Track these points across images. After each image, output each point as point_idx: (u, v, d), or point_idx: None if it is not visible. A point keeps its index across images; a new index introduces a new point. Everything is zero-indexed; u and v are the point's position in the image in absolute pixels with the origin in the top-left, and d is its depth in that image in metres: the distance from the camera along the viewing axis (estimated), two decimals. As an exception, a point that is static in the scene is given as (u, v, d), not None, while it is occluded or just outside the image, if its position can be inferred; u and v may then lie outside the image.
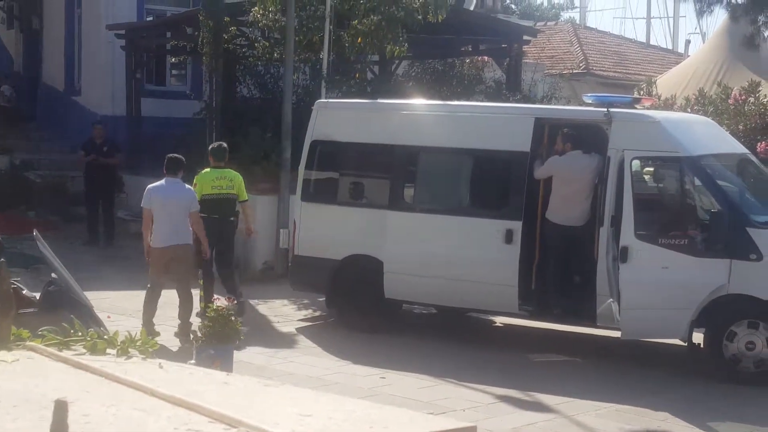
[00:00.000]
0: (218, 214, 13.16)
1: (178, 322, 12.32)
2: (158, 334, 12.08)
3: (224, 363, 8.78)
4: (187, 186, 12.53)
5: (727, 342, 10.94)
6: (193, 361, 8.94)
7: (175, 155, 12.70)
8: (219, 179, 13.26)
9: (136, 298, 14.56)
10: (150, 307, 12.26)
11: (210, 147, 13.95)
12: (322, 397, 5.02)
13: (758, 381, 10.76)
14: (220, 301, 9.11)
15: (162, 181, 12.39)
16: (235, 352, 11.50)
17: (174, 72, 26.04)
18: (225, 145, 13.88)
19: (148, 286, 12.40)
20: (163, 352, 11.31)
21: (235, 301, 9.29)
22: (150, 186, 12.42)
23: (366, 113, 13.55)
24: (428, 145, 12.83)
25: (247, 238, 14.01)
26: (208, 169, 13.40)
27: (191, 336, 11.09)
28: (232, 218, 13.35)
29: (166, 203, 12.19)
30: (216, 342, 8.91)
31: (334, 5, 17.03)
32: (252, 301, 15.06)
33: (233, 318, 9.00)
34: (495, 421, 9.35)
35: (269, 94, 18.83)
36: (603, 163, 11.63)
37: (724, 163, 12.09)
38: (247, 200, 13.54)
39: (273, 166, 17.14)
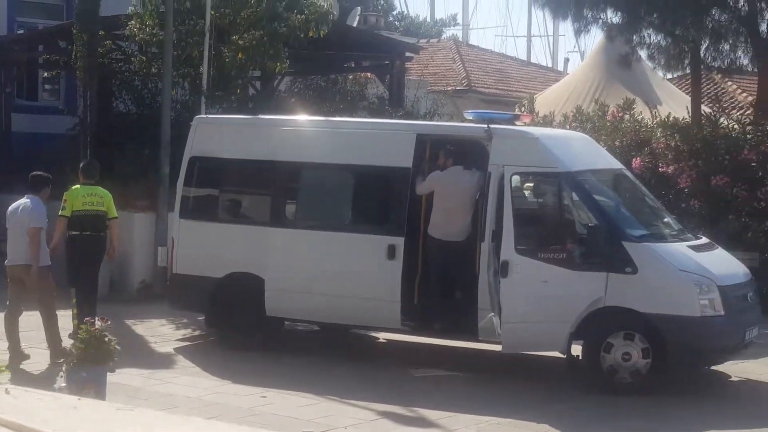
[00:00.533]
0: (90, 230, 13.14)
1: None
2: (27, 356, 11.94)
3: (97, 386, 8.66)
4: (35, 203, 12.27)
5: (605, 353, 11.26)
6: (63, 385, 8.80)
7: (38, 173, 12.63)
8: (89, 196, 13.19)
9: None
10: (10, 328, 12.05)
11: (81, 164, 13.83)
12: (174, 419, 4.88)
13: (634, 391, 11.10)
14: (94, 322, 8.98)
15: (23, 199, 12.30)
16: (109, 374, 11.43)
17: (47, 87, 25.57)
18: (96, 162, 13.92)
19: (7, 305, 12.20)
20: (24, 377, 11.24)
21: (108, 322, 9.16)
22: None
23: (246, 129, 13.57)
24: (310, 161, 12.92)
25: (109, 258, 13.79)
26: (77, 186, 13.29)
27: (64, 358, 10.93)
28: (102, 233, 13.27)
29: (11, 221, 12.25)
30: (88, 364, 8.77)
31: (214, 20, 17.00)
32: (128, 321, 14.91)
33: (107, 339, 8.89)
34: (377, 438, 9.46)
35: (147, 109, 18.69)
36: (484, 179, 11.87)
37: (601, 179, 12.43)
38: (116, 218, 13.46)
39: (151, 182, 17.03)
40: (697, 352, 11.30)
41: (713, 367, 12.16)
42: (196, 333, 14.20)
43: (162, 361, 12.61)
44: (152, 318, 15.00)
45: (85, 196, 13.15)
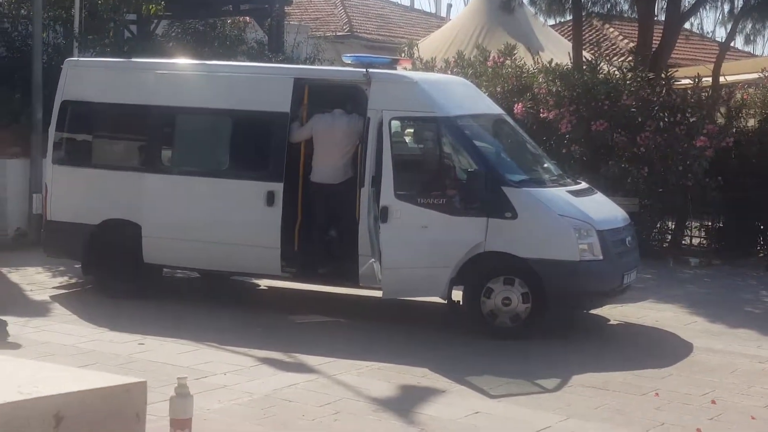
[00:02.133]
0: None
1: None
2: None
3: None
4: None
5: (485, 298, 11.37)
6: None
7: None
8: None
9: None
10: None
11: None
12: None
13: (514, 336, 11.25)
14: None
15: None
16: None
17: None
18: None
19: None
20: None
21: None
22: None
23: (119, 73, 13.26)
24: (185, 105, 12.70)
25: None
26: None
27: None
28: None
29: None
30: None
31: (85, -41, 16.58)
32: (3, 269, 14.62)
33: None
34: (256, 384, 9.42)
35: (17, 53, 18.13)
36: (363, 124, 11.81)
37: (481, 124, 12.49)
38: None
39: (23, 128, 16.62)
40: (577, 296, 11.46)
41: (592, 311, 12.38)
42: (73, 281, 13.96)
43: (38, 309, 12.36)
44: (28, 266, 14.73)
45: None
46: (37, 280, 13.98)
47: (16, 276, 14.22)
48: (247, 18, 22.19)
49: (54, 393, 4.25)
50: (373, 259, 11.60)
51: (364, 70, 11.88)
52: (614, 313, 12.67)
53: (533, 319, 11.37)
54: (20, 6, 17.29)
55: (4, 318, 10.47)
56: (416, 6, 42.54)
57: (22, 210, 16.54)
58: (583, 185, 12.59)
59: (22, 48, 18.13)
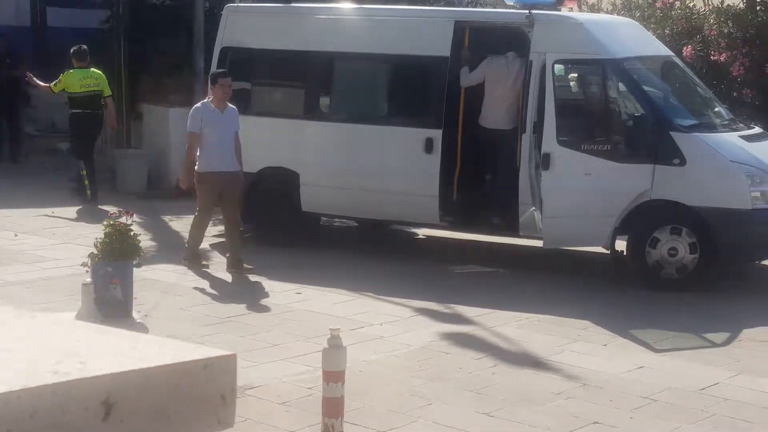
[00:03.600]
0: (90, 108, 15.16)
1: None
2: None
3: (123, 281, 8.51)
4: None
5: (650, 249, 10.94)
6: (89, 280, 8.66)
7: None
8: (85, 78, 15.10)
9: (42, 217, 14.33)
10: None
11: (72, 50, 15.28)
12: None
13: (680, 287, 10.79)
14: (118, 215, 8.77)
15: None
16: (146, 270, 11.30)
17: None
18: (85, 47, 15.36)
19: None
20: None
21: (133, 215, 8.96)
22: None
23: (278, 18, 13.14)
24: (344, 51, 12.54)
25: (111, 132, 16.41)
26: (73, 70, 15.06)
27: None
28: (99, 111, 15.33)
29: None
30: (113, 259, 8.59)
31: None
32: (165, 218, 14.83)
33: (132, 233, 8.69)
34: (413, 335, 9.26)
35: (180, 1, 18.28)
36: (526, 67, 11.47)
37: (649, 66, 12.00)
38: (111, 95, 15.52)
39: (185, 77, 16.76)
40: (748, 246, 10.93)
41: (765, 263, 11.77)
42: (233, 229, 14.01)
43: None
44: (189, 215, 14.78)
45: (82, 79, 15.07)
46: (198, 228, 14.09)
47: (177, 224, 14.37)
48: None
49: (103, 372, 3.04)
50: (533, 208, 11.29)
51: (527, 11, 11.51)
52: (788, 265, 12.07)
53: (701, 270, 10.89)
54: (183, -46, 17.39)
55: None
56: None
57: (184, 158, 16.66)
58: (757, 130, 11.96)
59: (185, -4, 18.26)
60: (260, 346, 8.92)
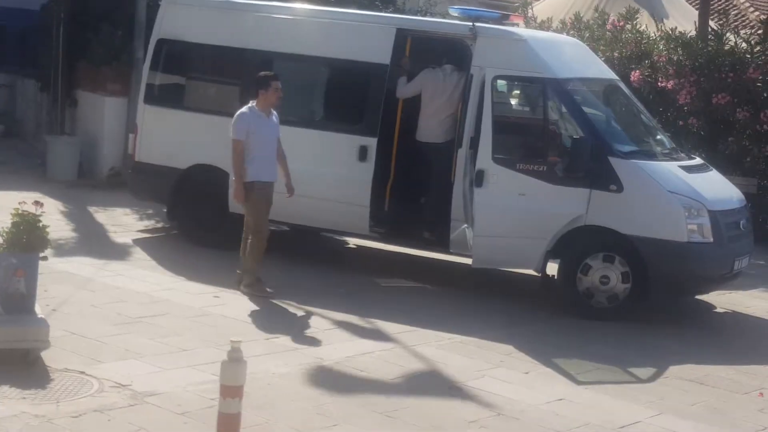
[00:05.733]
0: None
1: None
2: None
3: (28, 273, 8.07)
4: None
5: (582, 275, 10.65)
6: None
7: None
8: None
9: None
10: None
11: None
12: None
13: (609, 317, 10.51)
14: (27, 205, 8.31)
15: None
16: (62, 261, 10.89)
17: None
18: None
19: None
20: None
21: (43, 206, 8.49)
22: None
23: (217, 12, 12.69)
24: (282, 51, 12.13)
25: None
26: None
27: None
28: None
29: None
30: (19, 250, 8.15)
31: None
32: (91, 208, 14.39)
33: (40, 224, 8.25)
34: (329, 349, 8.90)
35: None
36: (466, 80, 11.15)
37: (592, 89, 11.74)
38: None
39: (123, 66, 16.31)
40: (682, 279, 10.64)
41: (697, 297, 11.57)
42: (159, 225, 13.63)
43: (118, 252, 12.05)
44: (117, 207, 14.46)
45: None
46: (123, 222, 13.67)
47: (102, 216, 13.95)
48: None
49: None
50: (465, 225, 10.96)
51: (471, 24, 11.19)
52: (721, 300, 11.81)
53: (632, 301, 10.62)
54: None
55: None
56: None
57: (117, 150, 16.25)
58: (698, 161, 11.74)
59: (129, -17, 17.78)
60: (168, 350, 8.53)
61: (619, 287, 10.58)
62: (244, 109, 10.55)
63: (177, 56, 12.80)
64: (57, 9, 17.13)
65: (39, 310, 8.34)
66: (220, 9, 12.75)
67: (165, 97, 12.87)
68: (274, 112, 10.66)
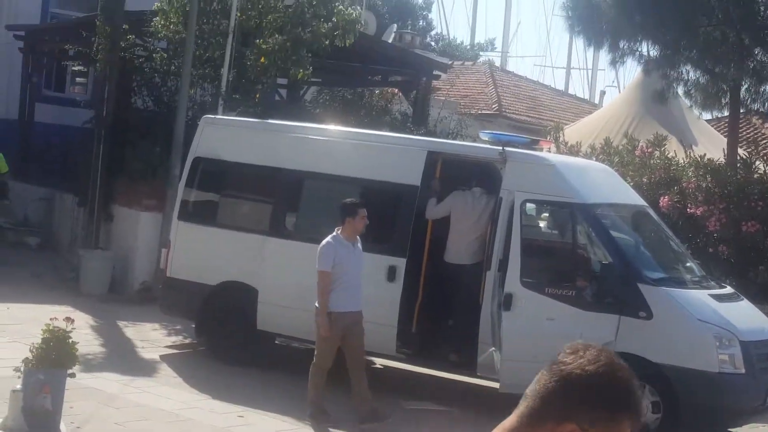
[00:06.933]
0: None
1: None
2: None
3: (54, 390, 7.86)
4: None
5: (611, 403, 10.25)
6: (19, 386, 8.02)
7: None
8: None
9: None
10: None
11: None
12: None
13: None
14: (58, 321, 8.16)
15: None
16: (89, 377, 10.64)
17: (78, 80, 25.07)
18: None
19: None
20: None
21: (74, 321, 8.31)
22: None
23: (253, 132, 12.71)
24: (314, 170, 12.07)
25: None
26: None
27: None
28: None
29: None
30: (47, 366, 7.96)
31: (239, 21, 16.25)
32: (121, 323, 14.18)
33: (70, 341, 8.07)
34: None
35: (165, 107, 17.93)
36: (495, 203, 10.99)
37: (620, 214, 11.58)
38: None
39: (161, 182, 16.28)
40: (713, 410, 10.28)
41: (729, 429, 11.12)
42: (187, 341, 13.39)
43: (144, 368, 11.80)
44: (146, 321, 14.23)
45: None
46: (151, 337, 13.44)
47: (131, 331, 13.73)
48: (395, 89, 21.68)
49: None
50: (493, 348, 10.66)
51: (501, 148, 11.07)
52: (753, 433, 11.38)
53: (663, 431, 10.19)
54: (171, 62, 17.07)
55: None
56: (570, 91, 41.55)
57: (150, 265, 16.11)
58: (728, 290, 11.42)
59: (169, 103, 17.93)
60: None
61: (649, 417, 10.19)
62: (329, 238, 10.16)
63: (212, 174, 12.78)
64: (98, 126, 17.22)
65: (64, 427, 8.14)
66: (256, 129, 12.75)
67: (198, 213, 12.80)
68: (359, 240, 10.32)
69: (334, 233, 10.17)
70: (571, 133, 20.40)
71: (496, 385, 10.82)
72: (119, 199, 17.13)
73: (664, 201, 15.84)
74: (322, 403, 10.15)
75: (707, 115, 22.95)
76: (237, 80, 16.54)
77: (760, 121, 24.48)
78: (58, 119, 21.56)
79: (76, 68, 23.54)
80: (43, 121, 21.68)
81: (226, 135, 12.84)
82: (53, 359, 8.12)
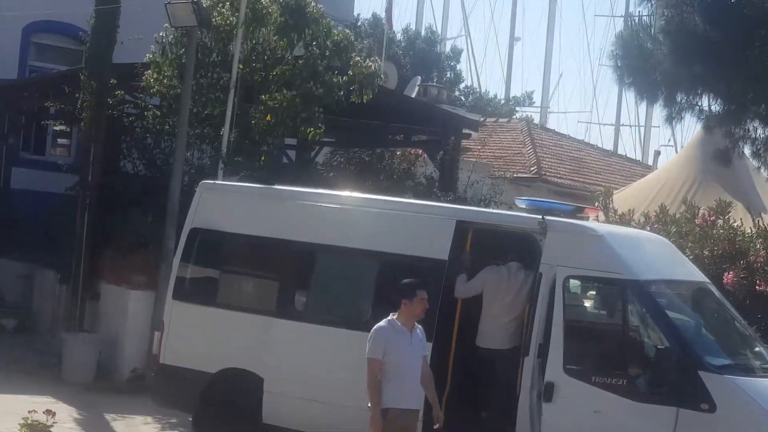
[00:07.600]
0: None
1: None
2: None
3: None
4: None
5: (672, 508, 10.31)
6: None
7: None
8: None
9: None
10: None
11: None
12: None
13: None
14: (37, 414, 8.30)
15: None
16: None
17: (60, 141, 25.41)
18: None
19: None
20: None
21: (54, 415, 8.43)
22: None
23: (258, 199, 12.93)
24: (327, 243, 12.26)
25: None
26: None
27: None
28: None
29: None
30: (24, 464, 8.09)
31: (242, 75, 16.51)
32: (108, 416, 14.30)
33: (50, 435, 8.20)
34: None
35: (157, 171, 18.18)
36: (534, 280, 11.12)
37: (678, 292, 11.71)
38: None
39: (152, 256, 16.45)
40: None
41: None
42: (183, 437, 13.47)
43: (134, 472, 11.88)
44: (137, 414, 14.38)
45: None
46: (143, 433, 13.56)
47: (120, 425, 13.88)
48: (419, 150, 21.90)
49: None
50: (533, 444, 10.73)
51: (540, 216, 11.21)
52: None
53: None
54: (165, 120, 17.29)
55: None
56: (619, 151, 41.89)
57: (141, 349, 16.24)
58: (803, 378, 11.46)
59: (162, 167, 18.19)
60: None
61: None
62: (383, 322, 10.22)
63: (211, 247, 12.97)
64: (82, 193, 17.43)
65: None
66: (261, 196, 12.96)
67: (196, 291, 13.00)
68: (419, 327, 10.33)
69: (390, 317, 10.23)
70: (621, 199, 20.53)
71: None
72: (106, 276, 17.32)
73: (728, 277, 15.90)
74: None
75: (778, 178, 23.04)
76: (239, 140, 16.79)
77: (837, 183, 24.54)
78: (38, 185, 21.87)
79: (57, 128, 23.80)
80: (20, 187, 22.04)
81: (226, 203, 13.05)
82: (31, 456, 8.24)
